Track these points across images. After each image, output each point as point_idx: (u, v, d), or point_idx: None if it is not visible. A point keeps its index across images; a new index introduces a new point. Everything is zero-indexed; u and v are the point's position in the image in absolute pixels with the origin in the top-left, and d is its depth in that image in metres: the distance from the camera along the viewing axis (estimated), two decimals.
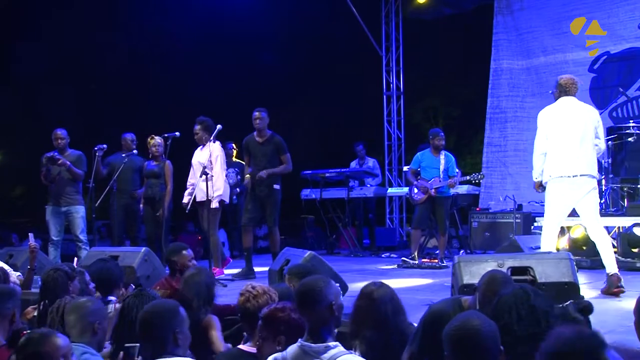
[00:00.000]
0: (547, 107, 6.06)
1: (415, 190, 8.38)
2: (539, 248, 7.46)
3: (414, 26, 13.46)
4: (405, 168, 10.83)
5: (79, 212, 7.67)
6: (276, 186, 7.36)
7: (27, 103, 15.45)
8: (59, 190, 7.66)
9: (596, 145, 5.81)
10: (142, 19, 14.52)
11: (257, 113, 7.42)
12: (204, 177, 6.71)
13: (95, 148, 7.88)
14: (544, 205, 9.63)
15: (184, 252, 4.81)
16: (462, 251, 9.45)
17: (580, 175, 5.64)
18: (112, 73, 15.53)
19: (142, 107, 15.47)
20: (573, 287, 4.14)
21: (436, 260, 8.56)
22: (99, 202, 7.50)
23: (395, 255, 9.87)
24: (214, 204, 6.84)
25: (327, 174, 10.34)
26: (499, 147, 11.79)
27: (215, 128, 7.16)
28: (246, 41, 15.27)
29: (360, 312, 3.43)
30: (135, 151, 8.00)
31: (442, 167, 8.34)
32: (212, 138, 7.15)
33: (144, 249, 6.12)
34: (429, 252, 9.58)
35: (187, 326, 2.94)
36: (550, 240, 6.03)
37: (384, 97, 13.42)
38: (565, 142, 5.68)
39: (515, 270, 4.25)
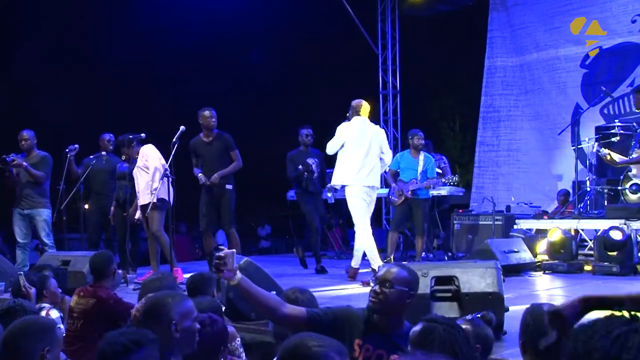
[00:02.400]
0: (345, 123, 7.05)
1: (393, 193, 8.24)
2: (513, 252, 7.31)
3: (410, 24, 13.24)
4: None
5: (42, 214, 7.54)
6: (229, 186, 7.24)
7: (25, 104, 15.53)
8: (21, 192, 7.55)
9: (381, 159, 7.06)
10: (139, 19, 14.54)
11: (207, 112, 7.27)
12: (165, 179, 6.69)
13: (67, 149, 7.82)
14: (533, 207, 9.56)
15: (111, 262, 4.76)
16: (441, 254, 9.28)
17: (363, 186, 6.85)
18: (112, 74, 15.56)
19: (140, 109, 15.48)
20: (497, 297, 3.96)
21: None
22: (64, 204, 7.42)
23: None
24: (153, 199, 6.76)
25: None
26: (491, 147, 11.58)
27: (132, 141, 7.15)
28: (237, 40, 15.21)
29: None
30: (104, 153, 7.91)
31: (420, 169, 8.15)
32: (175, 139, 7.07)
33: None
34: (412, 255, 9.42)
35: (60, 348, 2.76)
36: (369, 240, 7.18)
37: (380, 96, 13.24)
38: (355, 154, 6.83)
39: (439, 280, 4.10)
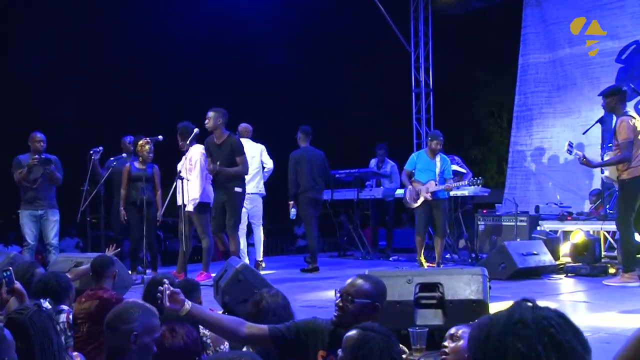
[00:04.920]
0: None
1: (408, 195, 8.13)
2: (532, 255, 7.13)
3: (442, 22, 13.05)
4: None
5: (55, 215, 7.70)
6: (237, 189, 7.23)
7: (26, 103, 15.80)
8: (37, 194, 7.64)
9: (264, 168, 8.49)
10: (144, 19, 14.70)
11: (211, 113, 7.28)
12: (179, 181, 6.76)
13: (91, 151, 8.02)
14: (563, 208, 9.29)
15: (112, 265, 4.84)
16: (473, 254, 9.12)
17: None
18: (113, 74, 15.72)
19: (144, 109, 15.61)
20: (482, 305, 3.87)
21: (434, 265, 8.35)
22: (85, 204, 7.59)
23: (402, 258, 9.66)
24: (189, 208, 6.86)
25: (337, 175, 10.21)
26: (524, 146, 11.30)
27: (193, 131, 7.17)
28: (268, 40, 15.23)
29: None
30: (124, 154, 8.05)
31: (438, 170, 8.05)
32: (189, 141, 7.18)
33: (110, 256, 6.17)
34: (433, 257, 9.30)
35: (14, 350, 2.68)
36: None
37: (413, 94, 13.09)
38: None
39: (423, 287, 4.03)
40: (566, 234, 7.95)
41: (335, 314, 3.07)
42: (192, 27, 15.14)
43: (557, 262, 7.36)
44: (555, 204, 9.39)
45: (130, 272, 7.34)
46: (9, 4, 13.26)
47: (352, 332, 2.54)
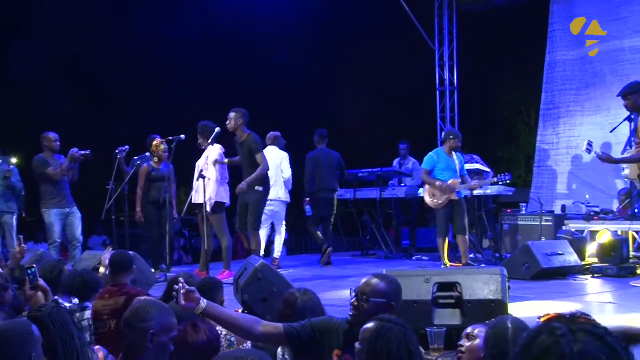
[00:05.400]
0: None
1: (430, 194, 8.05)
2: (557, 255, 7.02)
3: (467, 19, 12.93)
4: None
5: (78, 212, 7.85)
6: (258, 188, 7.26)
7: (26, 103, 15.90)
8: (65, 191, 7.79)
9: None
10: (144, 19, 14.76)
11: (229, 114, 7.35)
12: (200, 180, 6.79)
13: (117, 150, 8.10)
14: (590, 207, 9.13)
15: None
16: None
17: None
18: (114, 75, 15.82)
19: (151, 109, 15.65)
20: (501, 305, 3.81)
21: (460, 264, 8.28)
22: (110, 203, 7.66)
23: (426, 258, 9.58)
24: (208, 208, 6.89)
25: (360, 174, 10.18)
26: (551, 145, 11.14)
27: (214, 131, 7.20)
28: (289, 37, 15.20)
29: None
30: (147, 154, 8.10)
31: (457, 168, 8.01)
32: (210, 141, 7.20)
33: (130, 253, 6.22)
34: (459, 257, 9.22)
35: (41, 346, 2.73)
36: None
37: (437, 92, 12.99)
38: None
39: (442, 286, 3.99)
40: (593, 234, 7.80)
41: (351, 314, 3.07)
42: (210, 26, 15.17)
43: (584, 263, 7.23)
44: (583, 203, 9.22)
45: (153, 270, 7.41)
46: (7, 4, 13.37)
47: (370, 324, 2.56)
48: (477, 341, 2.79)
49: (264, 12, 14.23)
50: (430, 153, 8.20)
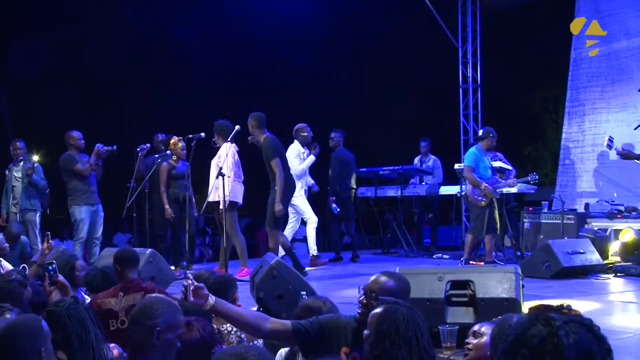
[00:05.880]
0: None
1: (473, 192, 8.04)
2: (578, 253, 6.93)
3: (491, 15, 12.79)
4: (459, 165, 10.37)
5: (102, 210, 7.98)
6: (276, 188, 7.25)
7: (26, 103, 16.00)
8: (93, 187, 7.89)
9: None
10: (145, 18, 14.79)
11: (250, 118, 7.42)
12: (220, 177, 6.84)
13: (138, 149, 8.19)
14: (614, 205, 9.00)
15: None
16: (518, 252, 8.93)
17: None
18: (116, 75, 15.88)
19: (159, 108, 15.66)
20: (514, 304, 3.77)
21: (482, 262, 8.25)
22: (131, 201, 7.74)
23: (447, 256, 9.53)
24: (221, 206, 6.96)
25: (381, 172, 10.15)
26: (576, 143, 10.99)
27: (233, 129, 7.23)
28: (312, 34, 15.15)
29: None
30: (168, 152, 8.16)
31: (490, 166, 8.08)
32: (230, 139, 7.23)
33: (149, 250, 6.28)
34: (482, 254, 9.16)
35: (50, 340, 2.72)
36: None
37: (460, 90, 12.89)
38: None
39: (455, 284, 3.96)
40: (616, 233, 7.69)
41: (359, 311, 3.05)
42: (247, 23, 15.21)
43: (606, 262, 7.12)
44: (607, 201, 9.10)
45: (173, 267, 7.48)
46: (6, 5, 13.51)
47: (377, 309, 2.57)
48: (484, 338, 2.77)
49: (283, 8, 14.25)
50: (472, 150, 8.18)
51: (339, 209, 9.18)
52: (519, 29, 14.34)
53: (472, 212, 8.27)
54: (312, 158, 8.63)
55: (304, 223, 8.86)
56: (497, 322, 2.63)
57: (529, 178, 8.33)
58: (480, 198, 7.95)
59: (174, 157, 7.91)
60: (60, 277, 4.33)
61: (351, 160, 9.41)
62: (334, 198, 9.18)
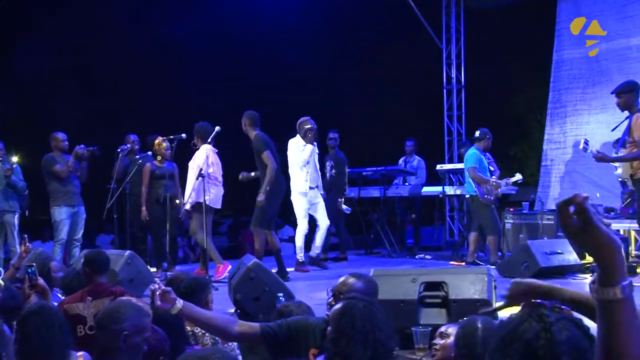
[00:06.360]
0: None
1: (482, 191, 8.15)
2: (556, 254, 6.98)
3: (475, 17, 12.86)
4: (450, 166, 10.41)
5: (84, 212, 7.94)
6: (266, 187, 7.26)
7: (27, 102, 15.91)
8: (75, 189, 7.86)
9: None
10: (145, 18, 14.78)
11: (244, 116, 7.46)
12: (200, 178, 6.84)
13: (118, 149, 8.16)
14: (598, 206, 9.07)
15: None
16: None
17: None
18: (115, 75, 15.86)
19: (155, 108, 15.65)
20: (486, 305, 3.79)
21: (463, 263, 8.35)
22: (111, 202, 7.72)
23: (429, 257, 9.57)
24: (187, 206, 6.97)
25: (364, 173, 10.18)
26: (558, 144, 11.09)
27: (213, 131, 7.24)
28: (296, 36, 15.17)
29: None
30: (149, 153, 8.14)
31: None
32: (209, 140, 7.24)
33: (128, 252, 6.23)
34: (464, 254, 9.21)
35: (12, 345, 2.73)
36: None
37: (444, 91, 12.95)
38: None
39: (428, 286, 3.98)
40: None
41: (328, 313, 3.07)
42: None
43: (583, 262, 7.17)
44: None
45: (155, 269, 7.46)
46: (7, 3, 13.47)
47: (337, 305, 2.62)
48: (450, 339, 2.80)
49: (268, 11, 14.26)
50: (473, 151, 8.27)
51: (350, 209, 9.39)
52: (503, 30, 14.40)
53: (482, 214, 8.20)
54: (310, 147, 7.99)
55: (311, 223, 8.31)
56: (461, 324, 2.66)
57: (517, 179, 8.47)
58: (489, 197, 8.06)
59: (159, 158, 7.87)
60: (40, 281, 4.30)
61: (346, 160, 9.56)
62: (342, 200, 9.29)
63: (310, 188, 8.02)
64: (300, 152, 7.93)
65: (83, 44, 15.49)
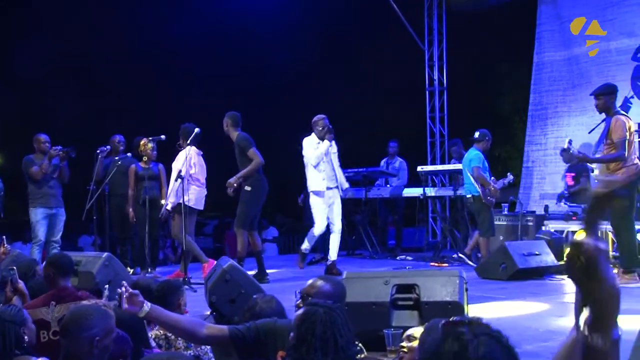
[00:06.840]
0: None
1: (485, 193, 8.17)
2: (534, 255, 7.04)
3: (457, 19, 12.94)
4: (431, 167, 10.46)
5: (64, 214, 7.87)
6: (247, 187, 7.25)
7: (27, 103, 15.90)
8: (53, 191, 7.80)
9: None
10: (145, 18, 14.77)
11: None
12: (179, 180, 6.84)
13: (98, 150, 8.12)
14: (572, 207, 9.16)
15: None
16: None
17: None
18: (114, 75, 15.82)
19: (148, 109, 15.63)
20: (457, 307, 3.83)
21: (446, 265, 8.42)
22: (90, 203, 7.68)
23: (411, 257, 9.60)
24: (168, 207, 6.97)
25: (346, 174, 10.15)
26: (539, 146, 11.18)
27: (192, 132, 7.23)
28: (278, 36, 15.20)
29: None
30: (129, 154, 8.13)
31: None
32: (189, 141, 7.24)
33: (105, 254, 6.20)
34: (445, 255, 9.27)
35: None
36: None
37: (427, 92, 13.01)
38: None
39: (400, 288, 4.01)
40: (572, 234, 7.84)
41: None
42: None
43: (560, 263, 7.23)
44: (566, 203, 9.25)
45: (138, 270, 7.45)
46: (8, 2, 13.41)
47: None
48: (417, 342, 2.83)
49: (257, 14, 14.27)
50: (476, 152, 8.25)
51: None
52: (484, 32, 14.50)
53: (482, 215, 8.17)
54: (326, 144, 7.73)
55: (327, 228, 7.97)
56: (426, 327, 2.68)
57: (510, 179, 8.60)
58: (491, 199, 8.11)
59: (145, 159, 7.86)
60: (21, 284, 4.26)
61: None
62: None
63: (328, 188, 7.76)
64: (314, 150, 7.74)
65: (83, 44, 15.43)
